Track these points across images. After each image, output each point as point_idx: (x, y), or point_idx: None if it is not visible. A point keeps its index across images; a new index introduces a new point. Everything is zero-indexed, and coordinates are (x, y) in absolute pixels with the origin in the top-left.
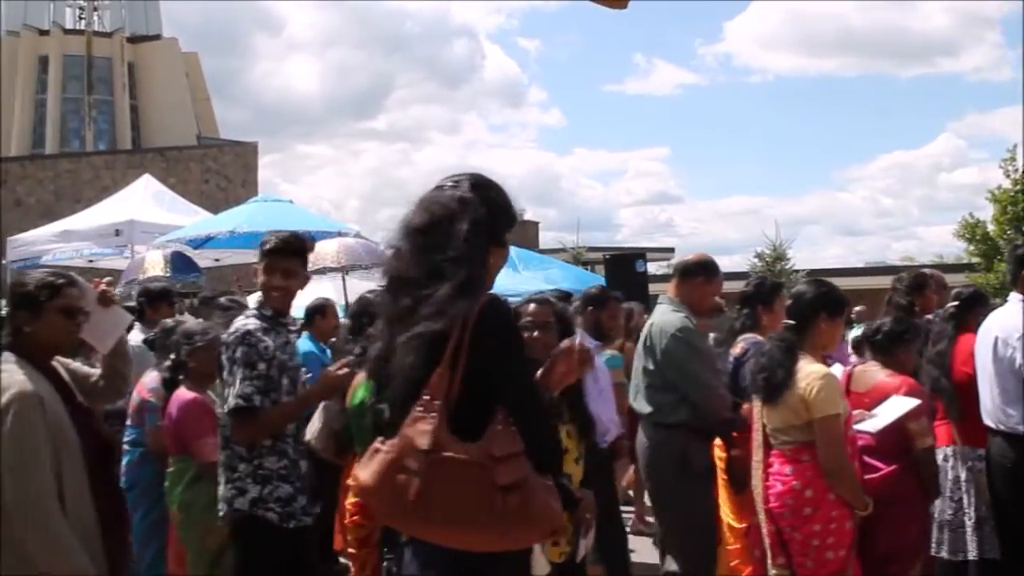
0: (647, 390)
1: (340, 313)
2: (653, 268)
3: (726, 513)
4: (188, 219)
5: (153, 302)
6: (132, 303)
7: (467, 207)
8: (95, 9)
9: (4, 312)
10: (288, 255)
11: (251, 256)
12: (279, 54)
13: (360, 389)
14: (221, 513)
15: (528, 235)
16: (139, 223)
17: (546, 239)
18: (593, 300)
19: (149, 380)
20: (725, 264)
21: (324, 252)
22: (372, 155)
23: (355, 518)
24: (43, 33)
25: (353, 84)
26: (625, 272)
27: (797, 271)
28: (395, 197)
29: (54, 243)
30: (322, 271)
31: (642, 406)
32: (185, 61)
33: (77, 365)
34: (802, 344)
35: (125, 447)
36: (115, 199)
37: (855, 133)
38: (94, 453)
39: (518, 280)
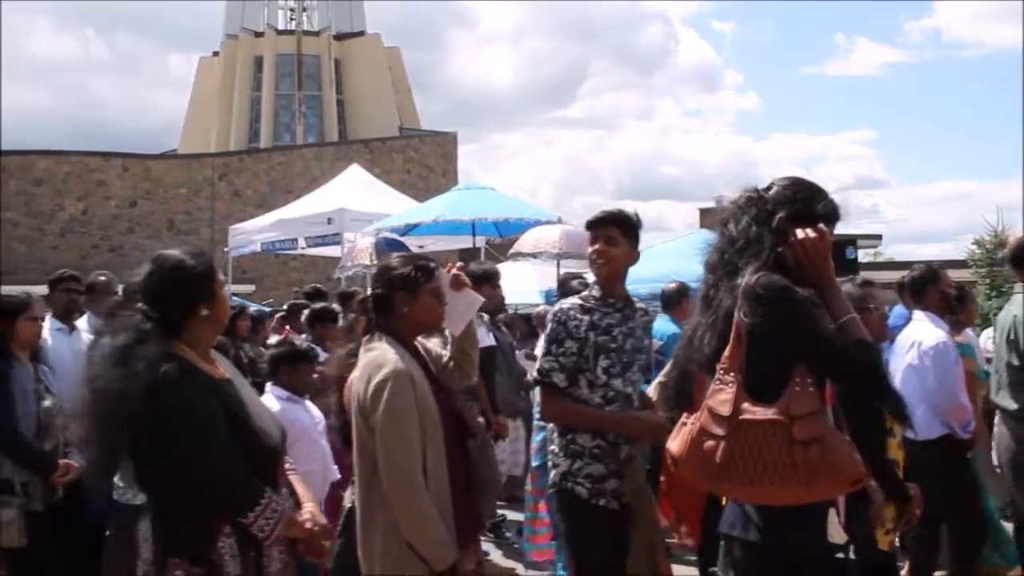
0: (1013, 386)
1: (541, 299)
2: (860, 256)
3: None
4: (394, 207)
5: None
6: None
7: (752, 203)
8: (304, 10)
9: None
10: (608, 224)
11: (455, 243)
12: (474, 47)
13: None
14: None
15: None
16: (349, 211)
17: None
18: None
19: None
20: (936, 252)
21: (547, 237)
22: (566, 143)
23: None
24: (258, 35)
25: (546, 73)
26: (835, 259)
27: None
28: (589, 185)
29: (270, 231)
30: (536, 256)
31: (1007, 402)
32: (387, 56)
33: (431, 346)
34: None
35: None
36: (326, 189)
37: None
38: (452, 431)
39: None
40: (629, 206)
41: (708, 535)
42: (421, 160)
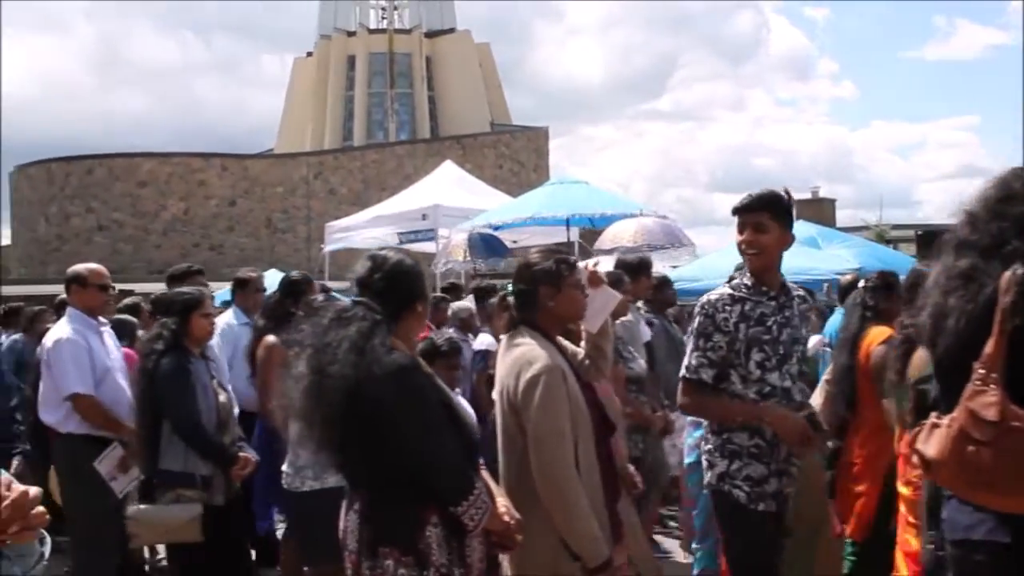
0: None
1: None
2: None
3: None
4: (488, 202)
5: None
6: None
7: None
8: (395, 8)
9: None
10: (756, 210)
11: (549, 237)
12: (561, 40)
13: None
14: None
15: (824, 213)
16: (443, 207)
17: (842, 217)
18: None
19: None
20: None
21: (622, 232)
22: (657, 135)
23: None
24: (351, 35)
25: (635, 65)
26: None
27: None
28: (681, 177)
29: (366, 228)
30: (614, 251)
31: None
32: (477, 52)
33: (566, 343)
34: None
35: None
36: (420, 185)
37: None
38: (597, 425)
39: (819, 258)
40: (722, 199)
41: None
42: (513, 155)
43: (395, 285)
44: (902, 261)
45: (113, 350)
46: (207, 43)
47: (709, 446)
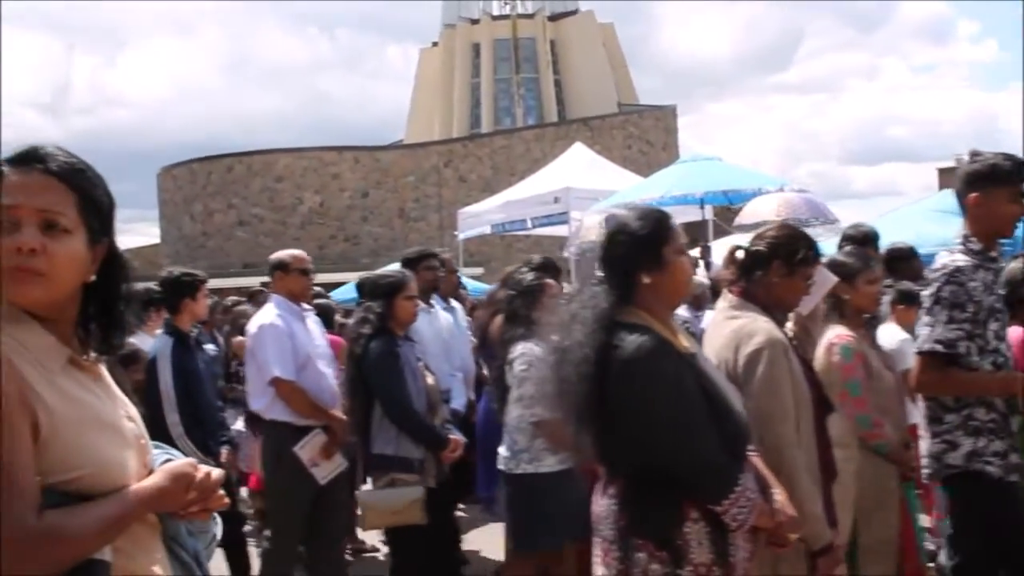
0: None
1: None
2: None
3: None
4: (619, 183)
5: None
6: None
7: None
8: None
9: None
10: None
11: (684, 215)
12: (684, 16)
13: None
14: (928, 471)
15: None
16: (575, 190)
17: None
18: None
19: None
20: None
21: (763, 207)
22: (785, 109)
23: None
24: (474, 22)
25: (761, 38)
26: None
27: None
28: (812, 151)
29: (498, 213)
30: (755, 227)
31: None
32: (602, 32)
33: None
34: None
35: None
36: (550, 168)
37: None
38: (816, 405)
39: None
40: (857, 171)
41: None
42: (641, 135)
43: (617, 256)
44: None
45: (317, 336)
46: (332, 39)
47: (945, 425)
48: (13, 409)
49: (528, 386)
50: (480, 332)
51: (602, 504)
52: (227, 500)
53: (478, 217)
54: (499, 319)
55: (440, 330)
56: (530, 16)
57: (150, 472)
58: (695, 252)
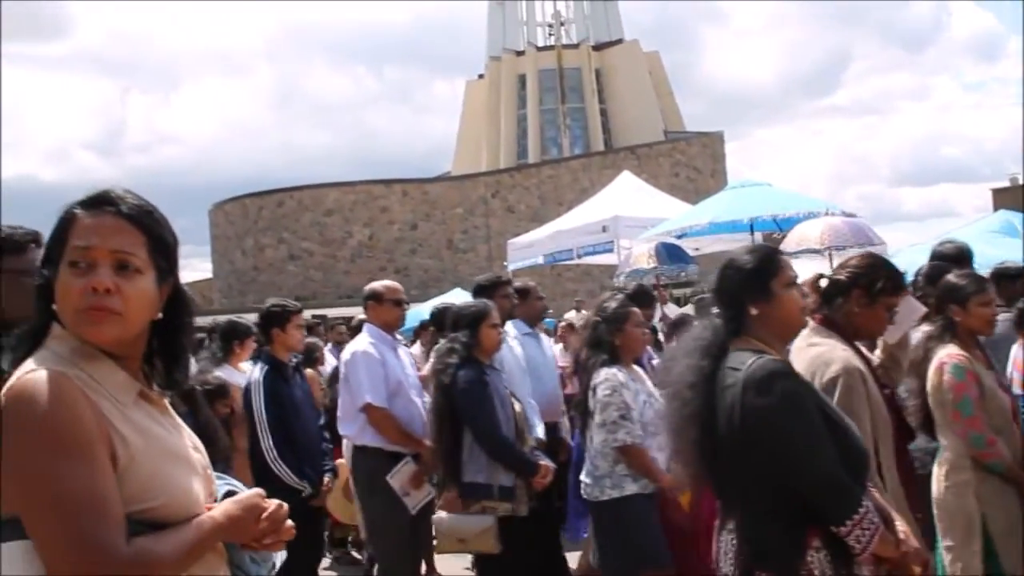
0: None
1: None
2: None
3: None
4: (668, 211)
5: None
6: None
7: None
8: (562, 24)
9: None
10: None
11: (732, 243)
12: (730, 42)
13: None
14: None
15: (1020, 201)
16: (623, 218)
17: None
18: None
19: None
20: None
21: (808, 234)
22: (834, 132)
23: None
24: (519, 54)
25: (807, 62)
26: None
27: None
28: (863, 174)
29: (547, 243)
30: (802, 253)
31: None
32: (647, 60)
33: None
34: None
35: None
36: (598, 197)
37: None
38: (896, 430)
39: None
40: (909, 192)
41: None
42: (688, 162)
43: (726, 288)
44: None
45: (408, 366)
46: (379, 74)
47: None
48: (94, 441)
49: (611, 411)
50: (575, 359)
51: (722, 540)
52: (294, 532)
53: (528, 248)
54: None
55: (519, 356)
56: (575, 46)
57: (215, 501)
58: None
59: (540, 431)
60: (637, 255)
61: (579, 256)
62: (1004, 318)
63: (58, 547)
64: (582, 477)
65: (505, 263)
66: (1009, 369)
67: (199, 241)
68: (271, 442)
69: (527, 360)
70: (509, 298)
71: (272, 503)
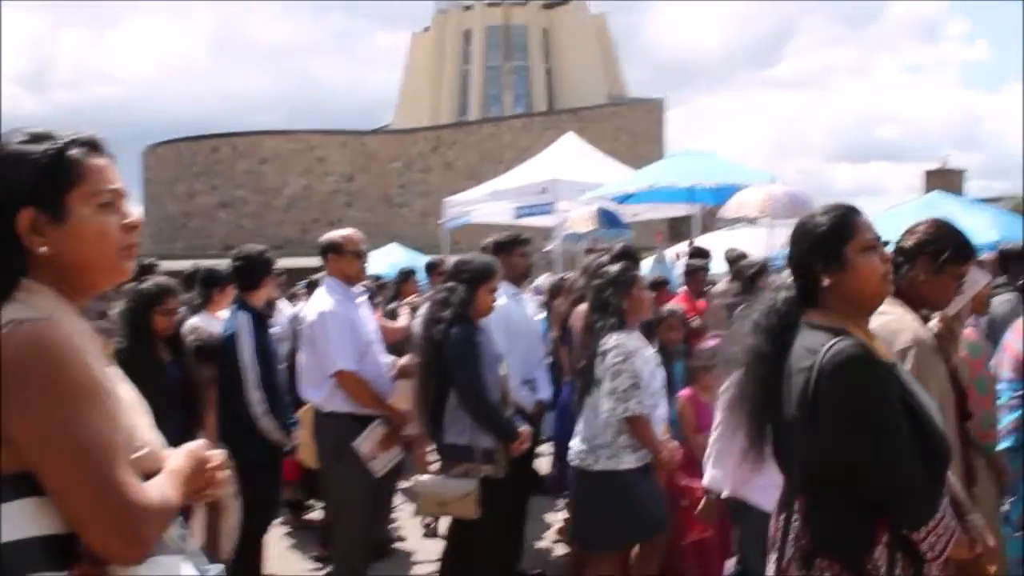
0: None
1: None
2: None
3: None
4: (608, 175)
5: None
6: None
7: None
8: None
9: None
10: None
11: (671, 211)
12: (674, 10)
13: None
14: None
15: (951, 184)
16: (563, 181)
17: (971, 188)
18: None
19: None
20: None
21: (748, 200)
22: (775, 105)
23: None
24: (467, 8)
25: (752, 32)
26: None
27: None
28: (801, 147)
29: (484, 202)
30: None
31: None
32: (594, 23)
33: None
34: None
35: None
36: (539, 158)
37: None
38: (957, 406)
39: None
40: (845, 169)
41: None
42: (629, 127)
43: (802, 253)
44: None
45: (371, 321)
46: (323, 21)
47: None
48: (103, 388)
49: (624, 379)
50: (560, 322)
51: (781, 518)
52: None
53: (463, 207)
54: (580, 309)
55: (527, 316)
56: (523, 3)
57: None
58: (682, 246)
59: (548, 394)
60: (576, 218)
61: (516, 217)
62: (1008, 297)
63: (84, 495)
64: (576, 443)
65: (440, 220)
66: (1000, 352)
67: (130, 184)
68: (260, 395)
69: (508, 323)
70: (527, 257)
71: (215, 453)
